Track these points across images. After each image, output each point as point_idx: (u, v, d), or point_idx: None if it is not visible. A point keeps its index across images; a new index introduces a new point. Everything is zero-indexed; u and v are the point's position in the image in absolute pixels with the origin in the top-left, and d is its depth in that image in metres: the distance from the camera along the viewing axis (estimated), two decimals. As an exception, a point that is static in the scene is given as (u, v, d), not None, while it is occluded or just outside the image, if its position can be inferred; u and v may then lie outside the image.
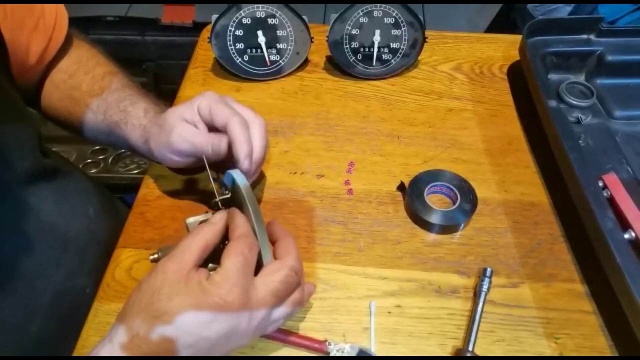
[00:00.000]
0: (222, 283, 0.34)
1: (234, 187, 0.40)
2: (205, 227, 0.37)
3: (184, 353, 0.33)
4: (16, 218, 0.45)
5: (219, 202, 0.41)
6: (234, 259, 0.34)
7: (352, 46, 0.66)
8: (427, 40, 0.65)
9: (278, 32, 0.65)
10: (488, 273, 0.46)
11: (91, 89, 0.53)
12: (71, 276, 0.49)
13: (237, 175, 0.39)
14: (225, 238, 0.38)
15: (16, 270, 0.44)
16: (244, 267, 0.35)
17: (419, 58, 0.69)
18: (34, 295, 0.46)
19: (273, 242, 0.40)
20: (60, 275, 0.48)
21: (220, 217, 0.38)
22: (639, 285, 0.40)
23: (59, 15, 0.53)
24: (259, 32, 0.64)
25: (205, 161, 0.43)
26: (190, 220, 0.41)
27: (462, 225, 0.51)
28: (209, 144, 0.44)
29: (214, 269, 0.37)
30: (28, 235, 0.46)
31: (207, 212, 0.44)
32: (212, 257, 0.38)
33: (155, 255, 0.40)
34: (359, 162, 0.58)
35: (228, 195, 0.41)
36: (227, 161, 0.45)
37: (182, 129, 0.45)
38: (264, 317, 0.36)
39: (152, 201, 0.54)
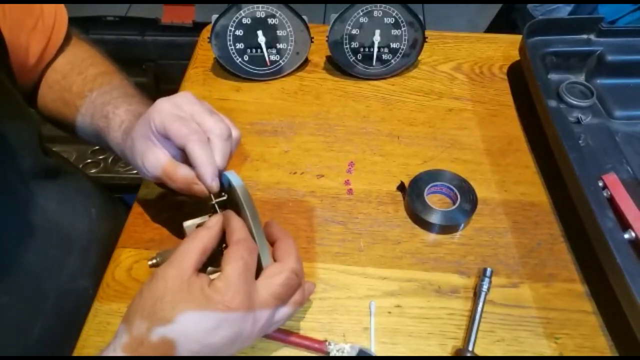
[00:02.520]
0: (224, 290, 0.33)
1: (230, 189, 0.40)
2: (202, 232, 0.37)
3: None
4: (24, 217, 0.45)
5: (216, 205, 0.41)
6: (234, 265, 0.34)
7: (352, 46, 0.66)
8: (427, 40, 0.65)
9: (278, 32, 0.65)
10: (488, 273, 0.46)
11: (81, 90, 0.52)
12: (74, 277, 0.49)
13: (233, 176, 0.39)
14: (222, 240, 0.38)
15: (22, 270, 0.44)
16: (245, 272, 0.34)
17: (419, 58, 0.69)
18: (38, 296, 0.46)
19: (272, 243, 0.40)
20: (64, 276, 0.48)
21: (216, 221, 0.38)
22: (639, 285, 0.40)
23: (59, 15, 0.53)
24: (259, 32, 0.64)
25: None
26: (188, 223, 0.41)
27: (462, 225, 0.51)
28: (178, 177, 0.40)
29: (213, 272, 0.37)
30: (35, 235, 0.46)
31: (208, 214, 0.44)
32: (211, 260, 0.38)
33: (154, 261, 0.40)
34: (359, 162, 0.58)
35: (224, 198, 0.41)
36: None
37: (147, 159, 0.41)
38: (267, 319, 0.36)
39: (152, 201, 0.54)
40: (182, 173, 0.40)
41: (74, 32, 0.57)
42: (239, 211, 0.39)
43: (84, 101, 0.52)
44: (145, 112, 0.42)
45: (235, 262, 0.34)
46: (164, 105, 0.40)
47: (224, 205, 0.41)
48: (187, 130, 0.39)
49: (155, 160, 0.41)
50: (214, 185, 0.39)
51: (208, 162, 0.38)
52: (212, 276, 0.35)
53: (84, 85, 0.52)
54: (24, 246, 0.44)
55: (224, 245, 0.38)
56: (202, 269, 0.36)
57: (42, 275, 0.46)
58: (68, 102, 0.53)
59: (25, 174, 0.46)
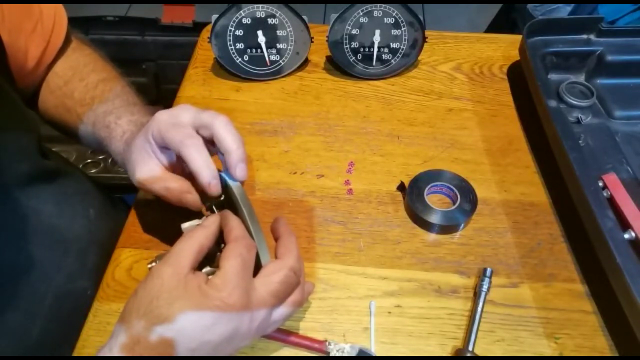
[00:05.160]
0: (222, 286, 0.33)
1: (226, 189, 0.40)
2: (198, 230, 0.37)
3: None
4: (18, 221, 0.45)
5: (213, 205, 0.41)
6: (232, 262, 0.34)
7: (352, 46, 0.66)
8: (427, 40, 0.65)
9: (278, 32, 0.65)
10: (488, 273, 0.46)
11: (83, 98, 0.52)
12: (72, 278, 0.49)
13: (228, 176, 0.39)
14: (219, 241, 0.38)
15: (18, 274, 0.44)
16: (243, 269, 0.34)
17: (419, 58, 0.69)
18: (36, 298, 0.45)
19: (275, 239, 0.40)
20: (61, 278, 0.48)
21: (213, 220, 0.38)
22: (639, 285, 0.40)
23: (58, 17, 0.53)
24: (259, 32, 0.64)
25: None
26: (186, 225, 0.41)
27: (462, 225, 0.51)
28: (170, 189, 0.41)
29: (211, 273, 0.36)
30: (30, 238, 0.45)
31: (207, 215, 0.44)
32: (209, 260, 0.38)
33: (154, 264, 0.40)
34: (359, 162, 0.58)
35: (221, 198, 0.41)
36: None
37: (140, 169, 0.41)
38: (264, 317, 0.36)
39: (152, 201, 0.54)
40: (173, 184, 0.41)
41: (75, 35, 0.57)
42: (236, 211, 0.39)
43: (86, 109, 0.51)
44: (146, 120, 0.44)
45: (233, 259, 0.34)
46: (162, 116, 0.40)
47: (221, 206, 0.41)
48: (180, 135, 0.39)
49: (148, 171, 0.41)
50: (212, 187, 0.39)
51: (204, 164, 0.38)
52: (211, 276, 0.35)
53: (86, 93, 0.52)
54: (18, 249, 0.44)
55: (222, 245, 0.38)
56: (199, 269, 0.36)
57: (39, 278, 0.46)
58: (70, 109, 0.53)
59: (21, 178, 0.46)
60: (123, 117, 0.49)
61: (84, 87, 0.53)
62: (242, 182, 0.40)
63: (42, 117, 0.57)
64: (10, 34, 0.47)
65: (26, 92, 0.54)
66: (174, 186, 0.41)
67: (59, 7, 0.54)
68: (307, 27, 0.65)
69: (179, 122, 0.40)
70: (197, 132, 0.40)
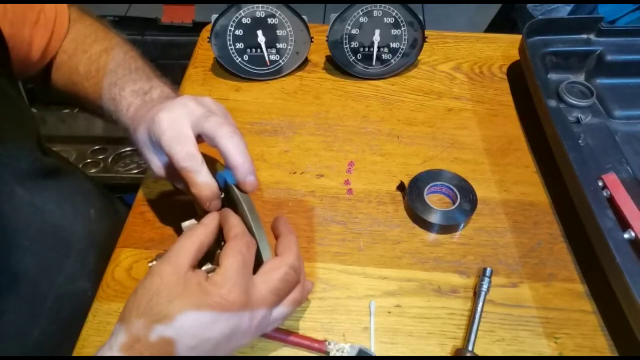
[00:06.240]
0: (222, 283, 0.33)
1: (226, 188, 0.40)
2: (198, 229, 0.37)
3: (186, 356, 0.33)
4: (21, 219, 0.45)
5: None
6: (232, 259, 0.34)
7: (352, 46, 0.66)
8: (427, 40, 0.65)
9: (278, 32, 0.65)
10: (488, 273, 0.46)
11: (88, 71, 0.52)
12: (72, 280, 0.49)
13: (229, 175, 0.39)
14: (219, 239, 0.38)
15: (20, 274, 0.44)
16: (243, 267, 0.34)
17: (419, 58, 0.69)
18: (37, 299, 0.45)
19: (276, 238, 0.40)
20: (62, 279, 0.48)
21: (212, 218, 0.38)
22: (639, 285, 0.40)
23: (60, 7, 0.53)
24: (259, 32, 0.64)
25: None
26: (186, 223, 0.41)
27: (462, 225, 0.51)
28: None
29: (211, 271, 0.37)
30: (33, 237, 0.45)
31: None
32: (209, 259, 0.38)
33: (154, 263, 0.40)
34: (359, 162, 0.58)
35: (221, 196, 0.41)
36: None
37: (154, 164, 0.43)
38: (264, 316, 0.36)
39: (152, 201, 0.54)
40: (182, 185, 0.42)
41: (74, 7, 0.57)
42: (236, 208, 0.39)
43: (92, 83, 0.51)
44: (149, 87, 0.46)
45: (233, 257, 0.34)
46: (163, 123, 0.38)
47: (221, 205, 0.41)
48: (179, 154, 0.38)
49: (158, 168, 0.43)
50: (212, 207, 0.39)
51: (203, 187, 0.38)
52: (212, 274, 0.35)
53: (90, 65, 0.52)
54: (21, 249, 0.44)
55: (222, 243, 0.38)
56: (199, 267, 0.36)
57: (40, 278, 0.46)
58: (77, 84, 0.53)
59: (23, 175, 0.46)
60: (126, 87, 0.48)
61: (88, 60, 0.52)
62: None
63: (60, 96, 0.56)
64: (12, 25, 0.46)
65: (34, 77, 0.54)
66: (183, 186, 0.42)
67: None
68: (307, 27, 0.65)
69: (180, 133, 0.38)
70: (200, 134, 0.39)
